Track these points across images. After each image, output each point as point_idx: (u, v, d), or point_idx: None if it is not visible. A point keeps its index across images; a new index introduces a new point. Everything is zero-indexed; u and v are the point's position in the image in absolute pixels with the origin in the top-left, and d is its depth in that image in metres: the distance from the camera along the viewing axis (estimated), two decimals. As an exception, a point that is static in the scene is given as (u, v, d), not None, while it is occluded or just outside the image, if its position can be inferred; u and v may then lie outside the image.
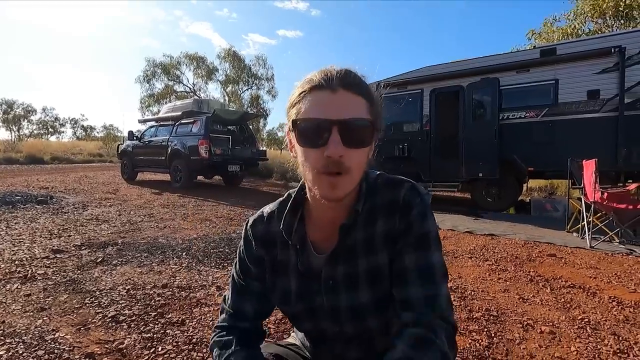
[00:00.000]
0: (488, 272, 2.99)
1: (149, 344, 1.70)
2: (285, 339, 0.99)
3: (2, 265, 2.74)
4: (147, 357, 1.60)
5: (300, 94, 0.64)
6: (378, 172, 0.77)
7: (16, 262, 2.83)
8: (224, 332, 0.77)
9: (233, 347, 0.73)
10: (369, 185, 0.73)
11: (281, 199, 0.80)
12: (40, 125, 46.73)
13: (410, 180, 0.74)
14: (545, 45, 6.91)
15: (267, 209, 0.81)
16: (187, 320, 1.95)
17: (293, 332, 0.94)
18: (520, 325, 2.02)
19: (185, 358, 1.61)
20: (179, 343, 1.71)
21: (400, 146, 7.45)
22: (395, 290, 0.69)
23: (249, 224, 0.81)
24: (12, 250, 3.15)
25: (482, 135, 6.59)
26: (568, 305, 2.33)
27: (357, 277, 0.71)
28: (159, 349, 1.66)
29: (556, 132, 5.97)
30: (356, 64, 0.67)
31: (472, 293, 2.51)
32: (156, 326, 1.87)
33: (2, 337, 1.69)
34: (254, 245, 0.78)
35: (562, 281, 2.77)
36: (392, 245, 0.69)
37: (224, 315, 0.80)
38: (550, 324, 2.05)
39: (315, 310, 0.74)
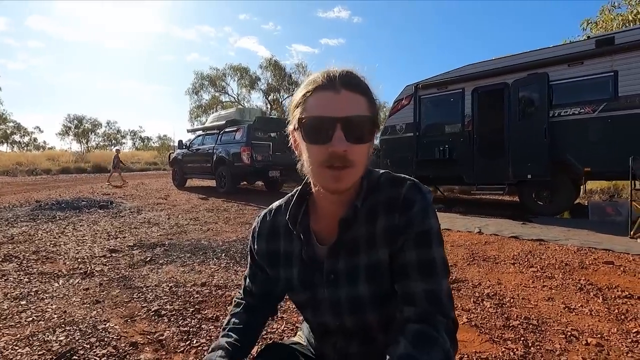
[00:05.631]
0: (532, 279, 2.81)
1: (185, 337, 1.83)
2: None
3: (68, 263, 3.09)
4: (182, 349, 1.73)
5: (305, 94, 0.68)
6: (382, 171, 0.78)
7: (79, 260, 3.17)
8: (235, 306, 0.91)
9: (239, 310, 0.88)
10: (371, 183, 0.75)
11: (289, 194, 0.85)
12: (105, 138, 51.57)
13: (413, 179, 0.74)
14: (601, 34, 6.29)
15: (275, 203, 0.88)
16: (221, 317, 2.06)
17: (300, 330, 0.98)
18: (563, 336, 1.88)
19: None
20: (212, 337, 1.82)
21: (441, 148, 7.21)
22: (397, 285, 0.70)
23: (259, 218, 0.88)
24: (76, 250, 3.53)
25: (530, 134, 6.17)
26: (622, 316, 2.12)
27: (357, 271, 0.73)
28: (194, 342, 1.78)
29: (616, 128, 5.44)
30: (360, 64, 0.71)
31: (512, 300, 2.37)
32: (193, 321, 2.01)
33: (63, 325, 1.91)
34: (262, 237, 0.85)
35: (618, 291, 2.53)
36: (392, 242, 0.71)
37: (240, 291, 0.93)
38: (599, 335, 1.89)
39: (318, 301, 0.78)
